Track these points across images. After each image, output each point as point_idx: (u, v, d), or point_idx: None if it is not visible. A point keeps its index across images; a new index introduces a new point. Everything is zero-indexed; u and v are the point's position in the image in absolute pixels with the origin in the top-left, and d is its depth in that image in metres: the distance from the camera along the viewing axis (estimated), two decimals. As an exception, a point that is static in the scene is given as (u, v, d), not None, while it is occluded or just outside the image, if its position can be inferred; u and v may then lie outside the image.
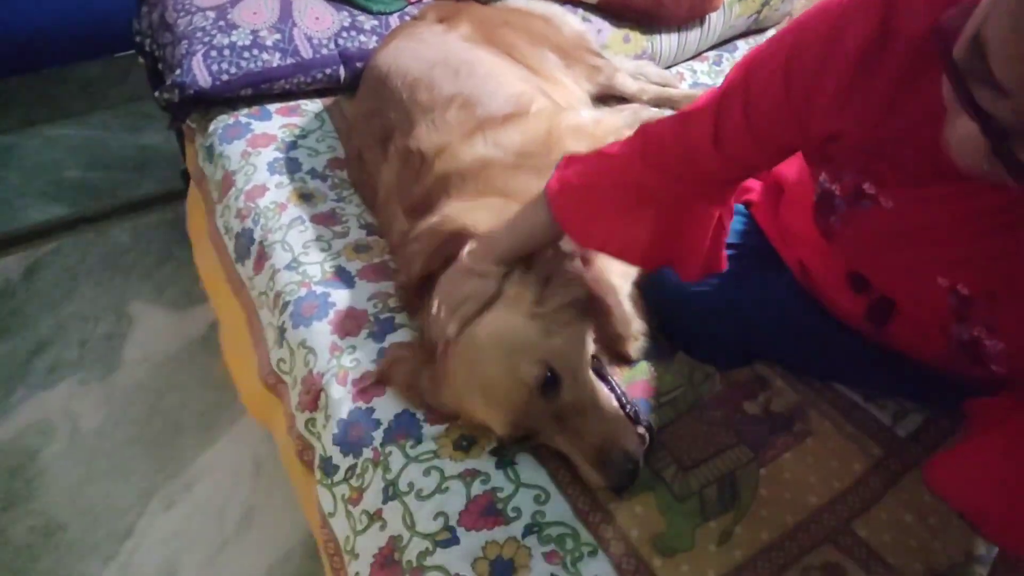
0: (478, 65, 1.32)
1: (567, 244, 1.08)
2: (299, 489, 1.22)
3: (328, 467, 1.07)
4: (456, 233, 1.08)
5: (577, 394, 0.97)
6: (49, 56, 2.68)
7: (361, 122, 1.40)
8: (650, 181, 0.97)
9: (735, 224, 1.13)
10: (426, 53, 1.36)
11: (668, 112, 1.53)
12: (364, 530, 0.99)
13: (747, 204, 1.19)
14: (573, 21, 1.67)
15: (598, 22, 1.76)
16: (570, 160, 1.02)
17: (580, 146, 1.19)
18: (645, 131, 0.99)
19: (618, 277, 1.12)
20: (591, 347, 1.02)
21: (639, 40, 1.80)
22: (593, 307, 1.03)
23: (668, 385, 1.10)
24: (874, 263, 0.88)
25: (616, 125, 1.31)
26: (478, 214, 1.09)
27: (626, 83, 1.66)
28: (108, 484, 1.71)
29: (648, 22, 1.80)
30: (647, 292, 1.16)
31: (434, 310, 1.05)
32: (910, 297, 0.87)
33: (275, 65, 1.57)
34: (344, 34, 1.64)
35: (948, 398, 1.00)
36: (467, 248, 1.06)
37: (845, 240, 0.88)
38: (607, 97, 1.69)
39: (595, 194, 1.00)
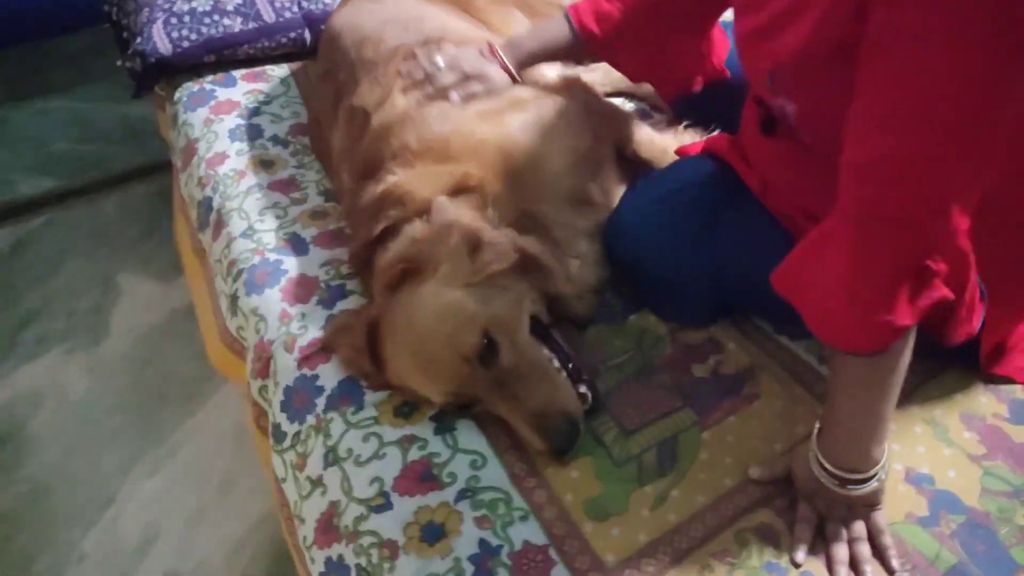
0: (428, 20, 1.29)
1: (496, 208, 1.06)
2: (260, 454, 1.23)
3: (278, 433, 1.08)
4: (401, 200, 1.07)
5: (516, 358, 0.96)
6: (34, 29, 2.68)
7: (317, 85, 1.39)
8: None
9: (702, 166, 1.12)
10: (377, 12, 1.33)
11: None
12: (308, 495, 1.00)
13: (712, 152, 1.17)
14: (542, -24, 1.62)
15: (570, -23, 1.71)
16: None
17: (522, 95, 1.18)
18: None
19: (568, 231, 1.10)
20: (528, 309, 1.00)
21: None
22: (532, 268, 1.01)
23: (617, 350, 1.09)
24: (738, 43, 0.99)
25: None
26: (424, 182, 1.07)
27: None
28: (93, 452, 1.74)
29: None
30: (610, 246, 1.15)
31: (439, 63, 1.17)
32: (753, 75, 1.00)
33: (237, 30, 1.56)
34: (307, -4, 1.61)
35: None
36: (496, 44, 1.22)
37: (740, 32, 0.98)
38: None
39: (622, 22, 1.17)
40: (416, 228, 1.02)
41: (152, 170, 2.46)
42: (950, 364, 1.04)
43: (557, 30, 1.22)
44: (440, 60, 1.18)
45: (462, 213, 1.02)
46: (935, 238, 0.77)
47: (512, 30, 1.46)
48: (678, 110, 1.40)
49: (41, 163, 2.54)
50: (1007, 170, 0.84)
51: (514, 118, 1.15)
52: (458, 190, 1.06)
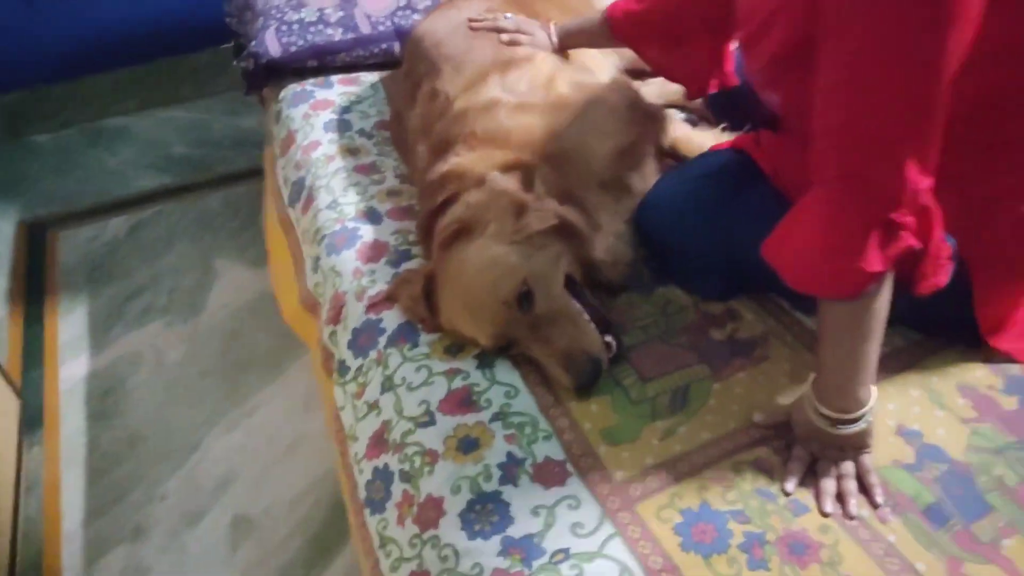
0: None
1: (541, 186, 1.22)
2: (324, 399, 1.40)
3: (342, 368, 1.25)
4: (461, 176, 1.24)
5: (550, 305, 1.11)
6: (164, 47, 3.02)
7: (400, 84, 1.58)
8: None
9: (726, 157, 1.26)
10: (456, 17, 1.53)
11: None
12: (364, 417, 1.16)
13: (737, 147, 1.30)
14: (609, -2, 1.79)
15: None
16: None
17: (579, 98, 1.33)
18: None
19: (605, 212, 1.24)
20: (564, 267, 1.14)
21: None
22: (570, 235, 1.16)
23: (644, 314, 1.22)
24: (745, 53, 1.15)
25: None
26: (481, 163, 1.24)
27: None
28: (183, 407, 1.96)
29: None
30: (639, 223, 1.28)
31: (508, 16, 1.51)
32: (754, 79, 1.16)
33: (337, 39, 1.78)
34: (400, 13, 1.83)
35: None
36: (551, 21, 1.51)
37: (740, 39, 1.16)
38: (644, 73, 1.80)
39: (648, 20, 1.38)
40: (471, 195, 1.18)
41: (254, 173, 2.70)
42: (952, 342, 1.13)
43: (593, 19, 1.49)
44: (508, 15, 1.53)
45: (511, 183, 1.18)
46: (895, 193, 0.87)
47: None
48: (720, 118, 1.53)
49: (160, 163, 2.85)
50: (986, 139, 0.95)
51: (567, 115, 1.30)
52: (510, 168, 1.23)
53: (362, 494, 1.10)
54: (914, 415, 1.04)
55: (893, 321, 1.15)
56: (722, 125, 1.46)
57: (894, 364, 1.10)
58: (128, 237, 2.53)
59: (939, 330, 1.14)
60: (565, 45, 1.52)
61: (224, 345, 2.12)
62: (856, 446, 0.97)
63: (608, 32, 1.43)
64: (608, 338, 1.12)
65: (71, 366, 2.09)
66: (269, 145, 1.88)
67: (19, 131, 2.94)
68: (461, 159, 1.26)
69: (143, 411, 1.95)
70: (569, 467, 1.00)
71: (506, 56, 1.39)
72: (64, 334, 2.19)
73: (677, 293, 1.26)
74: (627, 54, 1.70)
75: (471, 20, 1.51)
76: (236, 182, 2.73)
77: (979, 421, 1.03)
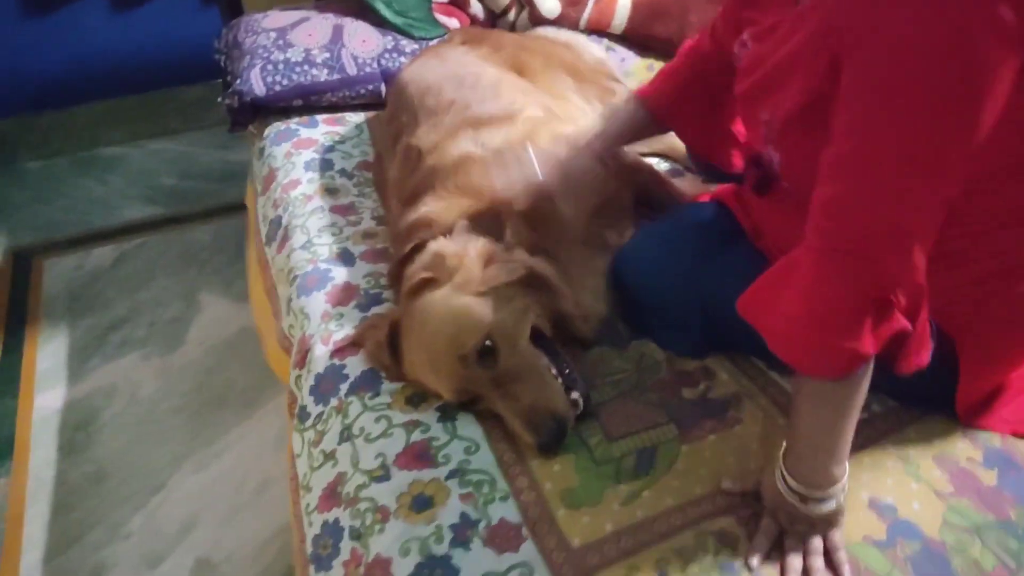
0: (483, 77, 1.47)
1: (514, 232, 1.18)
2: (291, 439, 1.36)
3: (303, 414, 1.21)
4: (429, 225, 1.22)
5: (514, 360, 1.07)
6: (155, 80, 3.04)
7: (383, 127, 1.57)
8: (697, 77, 1.26)
9: (706, 211, 1.22)
10: (441, 68, 1.52)
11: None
12: (319, 467, 1.12)
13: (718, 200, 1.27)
14: (594, 49, 1.80)
15: (622, 51, 1.89)
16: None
17: (556, 152, 1.31)
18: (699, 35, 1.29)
19: (576, 264, 1.22)
20: (531, 320, 1.11)
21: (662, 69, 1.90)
22: (541, 287, 1.13)
23: (615, 369, 1.18)
24: (740, 106, 1.10)
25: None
26: (452, 211, 1.22)
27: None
28: (152, 444, 1.91)
29: (672, 52, 1.89)
30: (615, 275, 1.25)
31: (530, 152, 1.24)
32: (751, 134, 1.10)
33: (323, 80, 1.78)
34: (387, 55, 1.83)
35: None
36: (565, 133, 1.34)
37: (739, 86, 1.07)
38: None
39: (670, 83, 1.31)
40: (439, 244, 1.16)
41: (243, 207, 2.71)
42: (932, 412, 1.09)
43: (624, 115, 1.33)
44: (530, 151, 1.26)
45: (478, 232, 1.16)
46: (894, 272, 0.84)
47: (559, 90, 1.63)
48: (705, 173, 1.52)
49: (148, 194, 2.85)
50: (985, 220, 0.92)
51: (544, 171, 1.28)
52: (480, 217, 1.20)
53: (308, 549, 1.05)
54: (888, 487, 1.00)
55: (870, 388, 1.13)
56: (703, 178, 1.44)
57: (869, 431, 1.06)
58: (112, 267, 2.51)
59: (917, 402, 1.10)
60: (615, 149, 1.34)
61: (199, 381, 2.09)
62: (826, 522, 0.93)
63: (650, 118, 1.31)
64: (575, 395, 1.08)
65: (47, 396, 2.06)
66: (251, 182, 1.86)
67: (9, 158, 2.94)
68: (431, 207, 1.24)
69: (113, 446, 1.91)
70: (524, 531, 0.95)
71: (486, 113, 1.36)
72: (42, 363, 2.16)
73: (652, 348, 1.22)
74: (609, 101, 1.70)
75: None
76: (224, 215, 2.72)
77: (956, 496, 0.99)
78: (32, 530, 1.71)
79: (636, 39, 1.88)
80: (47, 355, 2.16)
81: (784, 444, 0.95)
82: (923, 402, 1.09)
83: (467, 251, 1.13)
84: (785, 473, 0.93)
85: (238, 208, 2.72)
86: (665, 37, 1.86)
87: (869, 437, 1.06)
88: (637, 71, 1.89)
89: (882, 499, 0.99)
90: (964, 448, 1.05)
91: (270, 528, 1.71)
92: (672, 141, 1.65)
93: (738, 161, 1.34)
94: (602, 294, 1.25)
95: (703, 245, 1.19)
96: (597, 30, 1.87)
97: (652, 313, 1.21)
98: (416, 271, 1.14)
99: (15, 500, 1.78)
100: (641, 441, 1.07)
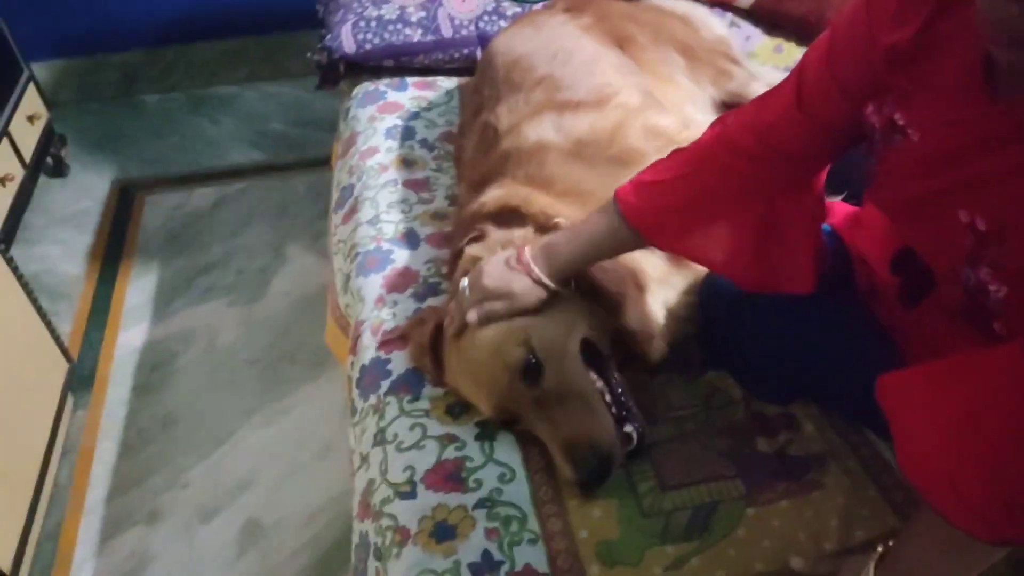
0: (577, 53, 1.32)
1: None
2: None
3: (353, 408, 1.15)
4: (493, 215, 1.10)
5: (560, 381, 0.96)
6: (276, 22, 3.02)
7: (467, 97, 1.46)
8: (734, 168, 0.92)
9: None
10: (535, 38, 1.38)
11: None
12: (359, 469, 1.06)
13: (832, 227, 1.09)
14: (715, 24, 1.61)
15: (747, 28, 1.69)
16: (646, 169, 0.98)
17: (650, 147, 1.15)
18: (723, 120, 0.96)
19: (653, 280, 1.08)
20: (582, 332, 0.99)
21: (793, 52, 1.69)
22: (603, 298, 1.00)
23: (680, 401, 1.05)
24: (906, 207, 0.82)
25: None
26: (515, 199, 1.10)
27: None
28: (223, 394, 1.93)
29: (806, 33, 1.68)
30: (703, 304, 1.11)
31: (463, 285, 1.02)
32: (934, 243, 0.81)
33: (415, 40, 1.68)
34: (486, 18, 1.71)
35: None
36: (527, 252, 0.99)
37: (883, 182, 0.83)
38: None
39: (672, 191, 0.94)
40: (477, 246, 1.04)
41: (342, 159, 2.70)
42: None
43: (602, 224, 0.97)
44: (463, 282, 1.02)
45: (520, 229, 1.04)
46: None
47: (666, 71, 1.46)
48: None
49: (256, 138, 2.86)
50: None
51: (624, 173, 1.12)
52: (539, 212, 1.08)
53: (352, 558, 1.00)
54: (992, 597, 0.83)
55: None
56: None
57: None
58: (211, 210, 2.54)
59: None
60: (567, 275, 1.01)
61: (276, 335, 2.08)
62: None
63: (630, 233, 0.95)
64: (628, 428, 0.96)
65: (129, 334, 2.10)
66: (337, 142, 1.80)
67: (130, 90, 3.02)
68: (500, 192, 1.12)
69: (185, 392, 1.94)
70: (550, 584, 0.85)
71: (575, 96, 1.22)
72: (130, 300, 2.21)
73: (728, 382, 1.08)
74: (725, 86, 1.52)
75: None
76: (324, 167, 2.67)
77: (1079, 622, 0.81)
78: (100, 469, 1.76)
79: (765, 15, 1.67)
80: (136, 292, 2.21)
81: (879, 550, 0.80)
82: None
83: (502, 246, 1.01)
84: None
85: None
86: (799, 15, 1.64)
87: None
88: (762, 52, 1.68)
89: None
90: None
91: (323, 497, 1.69)
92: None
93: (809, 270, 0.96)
94: (677, 315, 1.10)
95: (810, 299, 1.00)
96: (720, 2, 1.67)
97: (735, 347, 1.06)
98: (460, 272, 1.03)
99: (89, 435, 1.83)
100: (700, 495, 0.94)
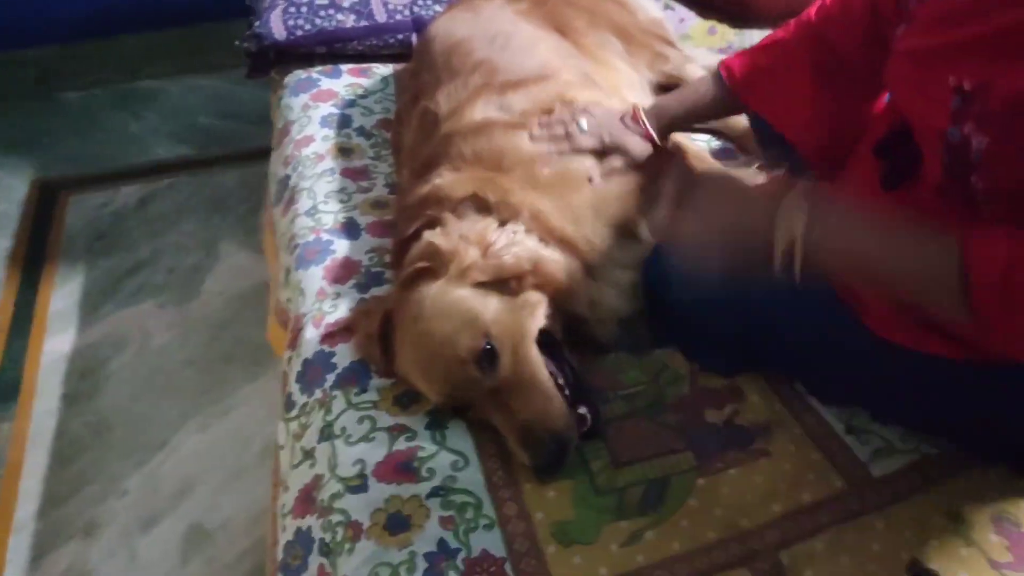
0: (516, 37, 1.31)
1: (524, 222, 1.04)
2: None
3: (289, 402, 1.11)
4: (441, 202, 1.09)
5: (515, 369, 0.95)
6: (202, 12, 2.92)
7: (404, 83, 1.44)
8: (824, 39, 1.04)
9: None
10: (473, 23, 1.37)
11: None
12: (298, 465, 1.02)
13: None
14: (650, 7, 1.62)
15: (681, 11, 1.71)
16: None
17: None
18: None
19: (599, 258, 1.08)
20: (539, 321, 0.99)
21: (726, 33, 1.72)
22: (551, 284, 1.00)
23: (631, 380, 1.05)
24: (902, 73, 0.87)
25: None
26: (465, 184, 1.08)
27: (696, 75, 1.58)
28: (158, 398, 1.86)
29: (739, 14, 1.71)
30: (646, 278, 1.12)
31: (582, 123, 1.14)
32: (923, 106, 0.84)
33: (348, 26, 1.64)
34: (420, 2, 1.68)
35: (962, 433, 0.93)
36: (640, 111, 1.18)
37: (895, 59, 0.88)
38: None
39: (770, 54, 1.09)
40: (434, 232, 1.03)
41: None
42: (995, 462, 0.94)
43: (704, 88, 1.18)
44: (584, 122, 1.15)
45: (482, 219, 1.02)
46: None
47: (604, 55, 1.46)
48: (769, 153, 1.34)
49: (182, 132, 2.77)
50: None
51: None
52: (490, 195, 1.07)
53: (279, 555, 0.96)
54: (932, 549, 0.86)
55: (925, 428, 0.98)
56: (757, 164, 1.27)
57: (915, 479, 0.92)
58: (138, 207, 2.45)
59: (984, 445, 0.95)
60: (670, 131, 1.21)
61: (212, 335, 2.02)
62: None
63: (731, 99, 1.14)
64: (583, 409, 0.96)
65: (56, 340, 2.01)
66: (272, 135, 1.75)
67: (47, 88, 2.88)
68: (442, 180, 1.10)
69: (118, 398, 1.86)
70: (507, 568, 0.85)
71: (514, 77, 1.21)
72: (55, 305, 2.12)
73: (676, 358, 1.09)
74: (661, 68, 1.53)
75: (537, 138, 1.14)
76: (255, 160, 2.59)
77: (1015, 568, 0.84)
78: (29, 482, 1.68)
79: (700, -2, 1.69)
80: (61, 296, 2.12)
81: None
82: (992, 446, 0.94)
83: (466, 235, 0.99)
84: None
85: (268, 153, 2.63)
86: (732, -2, 1.67)
87: (914, 486, 0.92)
88: (696, 34, 1.70)
89: (924, 563, 0.85)
90: (1030, 510, 0.90)
91: (268, 498, 1.64)
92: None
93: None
94: (625, 292, 1.11)
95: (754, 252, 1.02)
96: (654, -15, 1.69)
97: (683, 321, 1.07)
98: (412, 259, 1.02)
99: (16, 447, 1.75)
100: (652, 470, 0.94)
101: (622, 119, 1.18)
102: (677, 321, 1.09)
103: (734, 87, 1.12)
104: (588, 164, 1.14)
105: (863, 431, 0.99)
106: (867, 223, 0.81)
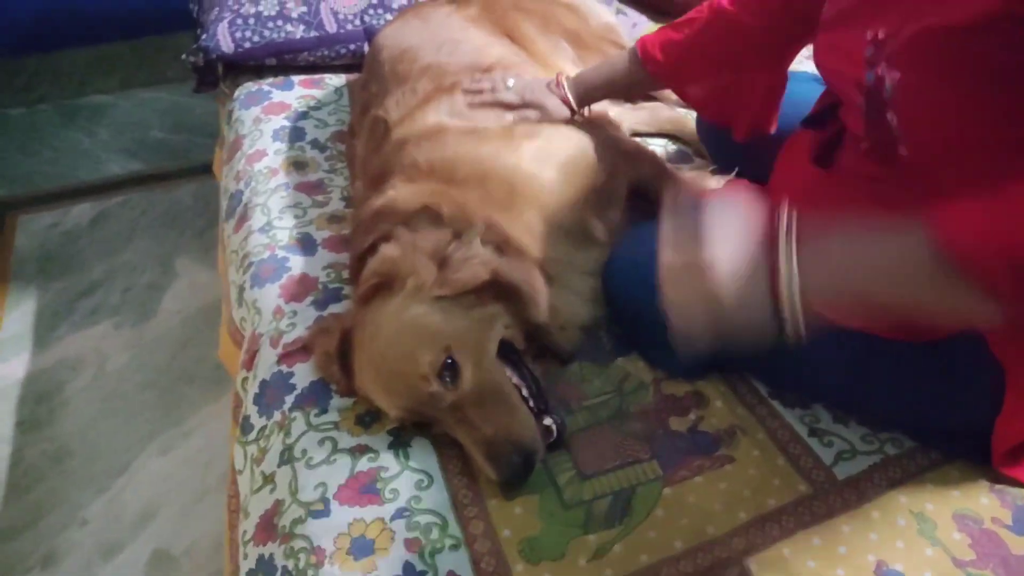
0: (464, 43, 1.30)
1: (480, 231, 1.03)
2: (233, 445, 1.24)
3: (246, 425, 1.09)
4: (393, 214, 1.07)
5: (478, 382, 0.94)
6: (152, 25, 2.86)
7: (357, 94, 1.41)
8: (735, 23, 1.09)
9: None
10: (422, 30, 1.35)
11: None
12: (258, 490, 1.00)
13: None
14: (603, 12, 1.61)
15: (634, 15, 1.70)
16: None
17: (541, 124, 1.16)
18: None
19: (559, 266, 1.07)
20: (499, 332, 0.97)
21: (678, 38, 1.71)
22: (511, 293, 0.99)
23: (595, 391, 1.05)
24: (825, 36, 0.91)
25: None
26: (418, 199, 1.07)
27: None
28: (117, 422, 1.81)
29: (689, 19, 1.71)
30: (607, 284, 1.11)
31: (510, 82, 1.22)
32: (840, 66, 0.88)
33: (298, 37, 1.61)
34: (371, 11, 1.66)
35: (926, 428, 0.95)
36: (563, 78, 1.24)
37: (820, 31, 0.92)
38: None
39: (680, 31, 1.15)
40: (394, 242, 1.01)
41: (229, 165, 2.58)
42: (954, 457, 0.95)
43: (621, 62, 1.23)
44: (510, 81, 1.24)
45: (437, 232, 1.01)
46: None
47: (557, 60, 1.46)
48: (718, 159, 1.36)
49: (135, 147, 2.71)
50: None
51: (525, 146, 1.13)
52: (443, 207, 1.06)
53: (243, 583, 0.94)
54: (898, 551, 0.86)
55: (885, 424, 0.99)
56: (712, 167, 1.28)
57: (879, 479, 0.93)
58: (90, 226, 2.39)
59: (943, 440, 0.96)
60: (587, 101, 1.27)
61: (171, 355, 1.97)
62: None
63: (644, 72, 1.20)
64: (548, 421, 0.95)
65: (9, 366, 1.96)
66: (220, 148, 1.72)
67: (-9, 103, 2.80)
68: (397, 193, 1.09)
69: (75, 423, 1.81)
70: (475, 589, 0.83)
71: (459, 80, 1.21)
72: (7, 330, 2.06)
73: (638, 366, 1.08)
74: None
75: (466, 91, 1.22)
76: (210, 174, 2.56)
77: (977, 565, 0.85)
78: (-18, 514, 1.63)
79: (651, 3, 1.69)
80: (13, 321, 2.06)
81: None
82: (950, 440, 0.95)
83: (421, 250, 0.98)
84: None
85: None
86: (685, 3, 1.66)
87: (878, 485, 0.92)
88: (648, 37, 1.70)
89: (890, 565, 0.85)
90: (990, 506, 0.91)
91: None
92: (684, 121, 1.49)
93: (767, 126, 1.19)
94: (586, 299, 1.10)
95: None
96: (606, -11, 1.69)
97: (645, 327, 1.06)
98: (368, 274, 1.00)
99: (-33, 480, 1.69)
100: (617, 481, 0.94)
101: (548, 85, 1.25)
102: (638, 328, 1.09)
103: (646, 61, 1.18)
104: (507, 118, 1.21)
105: (826, 433, 0.99)
106: (842, 241, 0.73)
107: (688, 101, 1.28)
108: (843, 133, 0.97)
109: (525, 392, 0.97)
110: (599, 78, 1.25)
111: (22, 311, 2.09)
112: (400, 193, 1.08)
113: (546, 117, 1.22)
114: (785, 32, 1.10)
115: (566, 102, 1.24)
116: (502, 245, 1.01)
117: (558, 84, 1.25)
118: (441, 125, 1.13)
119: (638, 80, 1.23)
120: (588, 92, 1.25)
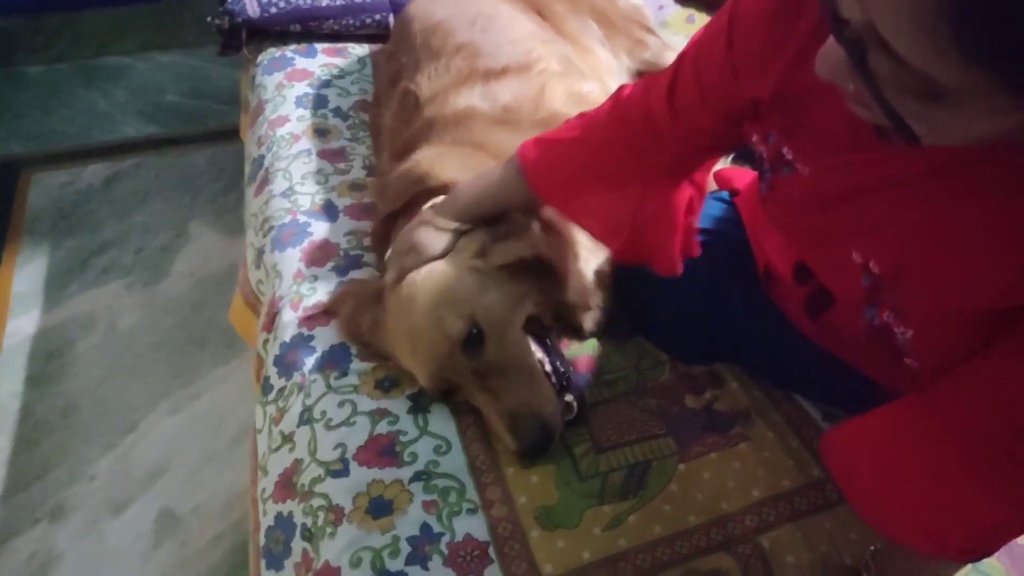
0: (497, 19, 1.30)
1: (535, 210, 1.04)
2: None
3: (266, 386, 1.10)
4: (421, 178, 1.07)
5: (502, 353, 0.95)
6: (172, -13, 2.85)
7: (382, 65, 1.41)
8: (621, 139, 0.91)
9: (713, 209, 1.07)
10: (452, 3, 1.35)
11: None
12: (277, 449, 1.01)
13: (732, 193, 1.12)
14: (630, -7, 1.61)
15: (661, -2, 1.70)
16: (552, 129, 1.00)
17: (574, 112, 1.14)
18: (619, 93, 0.94)
19: (585, 248, 1.07)
20: (528, 309, 0.98)
21: (704, 22, 1.71)
22: (546, 271, 0.99)
23: (613, 366, 1.06)
24: (800, 235, 0.81)
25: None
26: (446, 161, 1.07)
27: (674, 63, 1.58)
28: (127, 381, 1.82)
29: (716, 3, 1.71)
30: (620, 273, 1.12)
31: (387, 254, 1.06)
32: (832, 275, 0.79)
33: (324, 4, 1.61)
34: (398, -19, 1.65)
35: None
36: (432, 201, 1.05)
37: (775, 208, 0.81)
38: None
39: (566, 152, 0.96)
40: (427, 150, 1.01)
41: (244, 132, 2.58)
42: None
43: (499, 173, 1.00)
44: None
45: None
46: None
47: (584, 40, 1.45)
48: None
49: (151, 111, 2.70)
50: None
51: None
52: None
53: (262, 540, 0.95)
54: None
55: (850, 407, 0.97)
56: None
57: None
58: (104, 187, 2.38)
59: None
60: (469, 220, 1.02)
61: (182, 316, 1.98)
62: None
63: (523, 184, 0.97)
64: (569, 397, 0.96)
65: (19, 321, 1.96)
66: (245, 113, 1.72)
67: (9, 60, 2.79)
68: (427, 153, 1.09)
69: (85, 380, 1.82)
70: (491, 552, 0.85)
71: (497, 63, 1.20)
72: (19, 285, 2.06)
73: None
74: (640, 55, 1.53)
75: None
76: (226, 140, 2.56)
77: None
78: (-8, 465, 1.64)
79: (676, -16, 1.69)
80: (25, 277, 2.06)
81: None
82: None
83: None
84: None
85: (238, 133, 2.59)
86: (710, -15, 1.67)
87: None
88: (675, 22, 1.70)
89: (899, 549, 0.86)
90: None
91: (241, 482, 1.63)
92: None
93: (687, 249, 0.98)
94: (605, 280, 1.11)
95: (728, 251, 1.03)
96: (634, -30, 1.68)
97: (656, 319, 1.08)
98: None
99: (-23, 431, 1.70)
100: (633, 455, 0.95)
101: (417, 219, 1.03)
102: (648, 317, 1.10)
103: (523, 164, 0.97)
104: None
105: (840, 418, 1.00)
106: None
107: (593, 235, 1.02)
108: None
109: (549, 368, 0.98)
110: (481, 197, 1.01)
111: (34, 268, 2.10)
112: (427, 154, 1.09)
113: (423, 256, 0.99)
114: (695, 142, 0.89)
115: (439, 228, 1.00)
116: (546, 223, 1.02)
117: (421, 213, 1.04)
118: (472, 109, 1.13)
119: (521, 197, 0.99)
120: (465, 209, 1.01)
